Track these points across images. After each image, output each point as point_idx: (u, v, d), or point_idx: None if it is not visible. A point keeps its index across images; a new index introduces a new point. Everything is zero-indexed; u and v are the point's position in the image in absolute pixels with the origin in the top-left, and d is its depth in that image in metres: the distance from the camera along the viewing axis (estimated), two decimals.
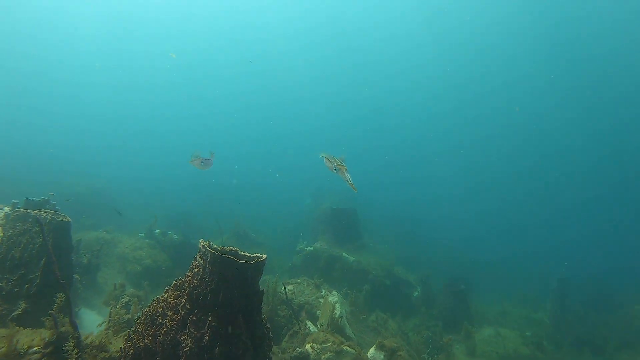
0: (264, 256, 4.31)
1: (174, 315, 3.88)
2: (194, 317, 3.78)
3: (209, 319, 3.75)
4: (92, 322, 7.86)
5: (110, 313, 5.89)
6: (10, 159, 29.34)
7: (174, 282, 4.24)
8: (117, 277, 10.70)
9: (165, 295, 4.14)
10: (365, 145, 66.11)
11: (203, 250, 3.96)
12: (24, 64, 59.23)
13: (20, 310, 5.24)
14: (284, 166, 56.31)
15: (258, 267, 4.10)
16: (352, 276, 13.76)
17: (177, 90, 69.56)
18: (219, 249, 4.27)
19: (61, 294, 5.44)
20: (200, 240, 4.08)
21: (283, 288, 9.15)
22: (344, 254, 14.22)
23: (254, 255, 4.34)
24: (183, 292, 4.01)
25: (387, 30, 52.14)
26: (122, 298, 7.80)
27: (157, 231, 13.57)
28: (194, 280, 3.94)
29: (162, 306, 4.01)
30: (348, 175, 4.93)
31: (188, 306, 3.86)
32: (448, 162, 60.05)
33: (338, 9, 49.53)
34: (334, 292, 9.39)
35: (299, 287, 9.39)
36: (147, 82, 67.11)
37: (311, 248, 14.86)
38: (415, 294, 14.80)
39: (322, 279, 10.37)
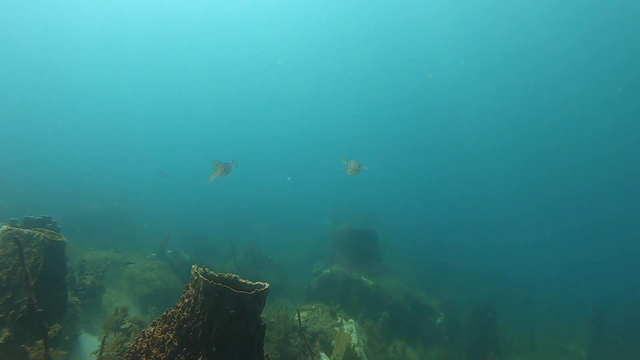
0: (266, 285, 3.77)
1: (159, 353, 3.34)
2: (182, 357, 3.24)
3: (199, 359, 3.21)
4: (93, 347, 7.39)
5: (102, 343, 5.39)
6: (30, 174, 29.80)
7: (164, 313, 3.73)
8: (124, 300, 10.27)
9: (152, 329, 3.61)
10: (386, 165, 65.36)
11: (195, 277, 3.44)
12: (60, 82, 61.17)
13: (2, 338, 4.78)
14: (305, 186, 56.11)
15: (258, 298, 3.55)
16: (371, 301, 13.02)
17: (201, 109, 70.70)
18: (216, 275, 3.75)
19: (57, 323, 5.00)
20: (193, 266, 3.56)
21: (297, 315, 8.54)
22: (363, 278, 13.51)
23: (255, 283, 3.80)
24: (172, 326, 3.48)
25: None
26: (124, 324, 7.32)
27: (169, 251, 13.18)
28: (184, 313, 3.41)
29: (147, 342, 3.49)
30: (356, 162, 5.36)
31: (176, 343, 3.32)
32: (468, 177, 58.65)
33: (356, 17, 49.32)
34: (350, 319, 8.72)
35: (313, 314, 8.75)
36: (169, 99, 68.20)
37: (328, 271, 14.20)
38: (438, 320, 13.91)
39: (338, 305, 9.71)
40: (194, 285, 3.46)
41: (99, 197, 23.97)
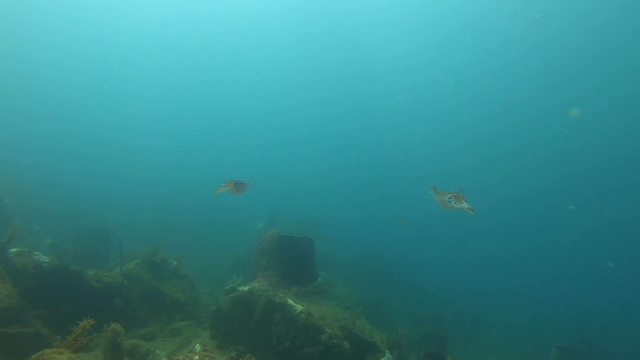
0: None
1: None
2: None
3: None
4: None
5: None
6: None
7: None
8: None
9: None
10: (329, 168, 62.88)
11: None
12: None
13: None
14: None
15: None
16: (298, 334, 9.76)
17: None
18: None
19: None
20: None
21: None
22: (289, 301, 10.23)
23: None
24: None
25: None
26: None
27: (12, 250, 9.19)
28: None
29: None
30: (466, 204, 4.39)
31: None
32: (422, 187, 57.31)
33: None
34: None
35: None
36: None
37: (246, 288, 10.80)
38: None
39: (243, 348, 6.30)
40: None
41: None
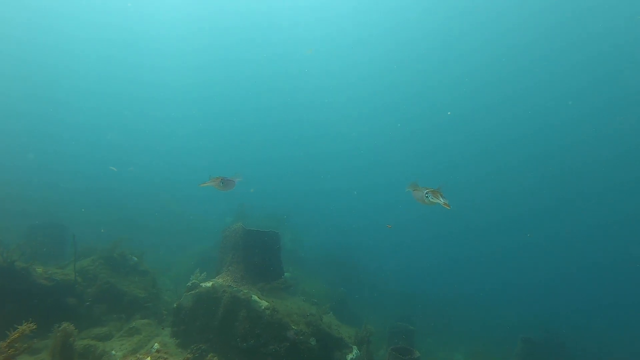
0: None
1: None
2: None
3: None
4: None
5: None
6: None
7: None
8: None
9: None
10: (295, 162, 62.43)
11: None
12: None
13: None
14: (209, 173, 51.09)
15: None
16: (263, 331, 9.43)
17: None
18: None
19: None
20: None
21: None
22: (254, 297, 9.87)
23: None
24: None
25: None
26: None
27: None
28: None
29: None
30: (442, 199, 4.51)
31: None
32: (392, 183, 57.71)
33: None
34: None
35: None
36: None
37: (209, 284, 10.36)
38: (350, 357, 10.67)
39: (205, 347, 5.92)
40: None
41: None
